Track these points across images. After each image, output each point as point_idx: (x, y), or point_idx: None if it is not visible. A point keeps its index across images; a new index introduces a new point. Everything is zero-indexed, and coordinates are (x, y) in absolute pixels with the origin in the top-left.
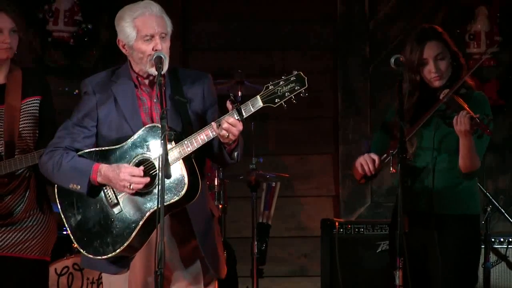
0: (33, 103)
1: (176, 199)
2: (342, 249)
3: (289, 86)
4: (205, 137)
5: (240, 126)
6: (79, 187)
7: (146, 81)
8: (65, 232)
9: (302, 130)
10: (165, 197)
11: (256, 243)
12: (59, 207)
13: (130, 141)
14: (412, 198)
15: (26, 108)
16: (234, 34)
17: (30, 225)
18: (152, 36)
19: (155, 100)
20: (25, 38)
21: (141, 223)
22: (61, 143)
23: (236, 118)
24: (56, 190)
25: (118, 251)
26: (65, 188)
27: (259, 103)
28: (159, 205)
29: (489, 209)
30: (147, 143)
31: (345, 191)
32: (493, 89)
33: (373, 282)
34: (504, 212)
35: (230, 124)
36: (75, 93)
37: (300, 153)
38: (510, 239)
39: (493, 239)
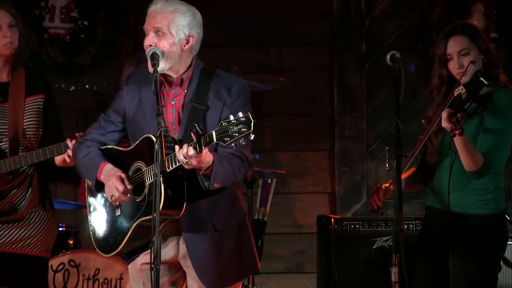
0: (37, 101)
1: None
2: (338, 245)
3: (238, 127)
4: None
5: (198, 158)
6: (90, 182)
7: (166, 81)
8: (60, 229)
9: (298, 127)
10: (149, 209)
11: None
12: (86, 197)
13: (133, 146)
14: (432, 195)
15: (29, 106)
16: (230, 31)
17: (32, 222)
18: (147, 32)
19: (172, 103)
20: (24, 32)
21: (130, 231)
22: (89, 134)
23: (194, 148)
24: (86, 183)
25: (113, 253)
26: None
27: (213, 139)
28: (157, 204)
29: None
30: (143, 153)
31: (341, 188)
32: None
33: (369, 278)
34: None
35: (187, 154)
36: (71, 89)
37: (296, 149)
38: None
39: None
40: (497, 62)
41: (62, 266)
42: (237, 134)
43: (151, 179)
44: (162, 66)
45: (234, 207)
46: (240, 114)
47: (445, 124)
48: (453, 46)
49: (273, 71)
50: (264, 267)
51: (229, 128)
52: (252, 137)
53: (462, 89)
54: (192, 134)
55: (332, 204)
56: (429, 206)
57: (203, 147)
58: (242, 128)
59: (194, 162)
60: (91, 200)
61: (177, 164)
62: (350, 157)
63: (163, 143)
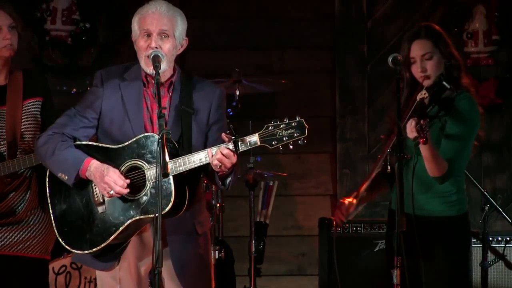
0: (35, 104)
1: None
2: (340, 248)
3: (288, 131)
4: (198, 161)
5: (233, 159)
6: (66, 177)
7: (153, 81)
8: None
9: None
10: (150, 209)
11: (253, 242)
12: (47, 191)
13: (126, 144)
14: (395, 198)
15: (27, 109)
16: (231, 33)
17: (32, 224)
18: (149, 33)
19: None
20: (24, 34)
21: (121, 228)
22: (60, 129)
23: (232, 150)
24: (47, 174)
25: (94, 249)
26: None
27: (257, 142)
28: (159, 205)
29: (487, 208)
30: (142, 152)
31: (342, 190)
32: (491, 88)
33: (370, 281)
34: (502, 211)
35: (224, 156)
36: (73, 92)
37: (298, 152)
38: (508, 238)
39: (490, 238)
40: (460, 65)
41: (63, 268)
42: (287, 138)
43: (153, 179)
44: (163, 68)
45: (206, 211)
46: (287, 119)
47: (411, 134)
48: (416, 49)
49: (274, 73)
50: (266, 270)
51: (277, 131)
52: (304, 141)
53: (425, 94)
54: (223, 135)
55: (334, 206)
56: (392, 210)
57: (240, 149)
58: (294, 132)
59: (228, 163)
60: (58, 195)
61: (187, 168)
62: (352, 159)
63: (164, 146)
